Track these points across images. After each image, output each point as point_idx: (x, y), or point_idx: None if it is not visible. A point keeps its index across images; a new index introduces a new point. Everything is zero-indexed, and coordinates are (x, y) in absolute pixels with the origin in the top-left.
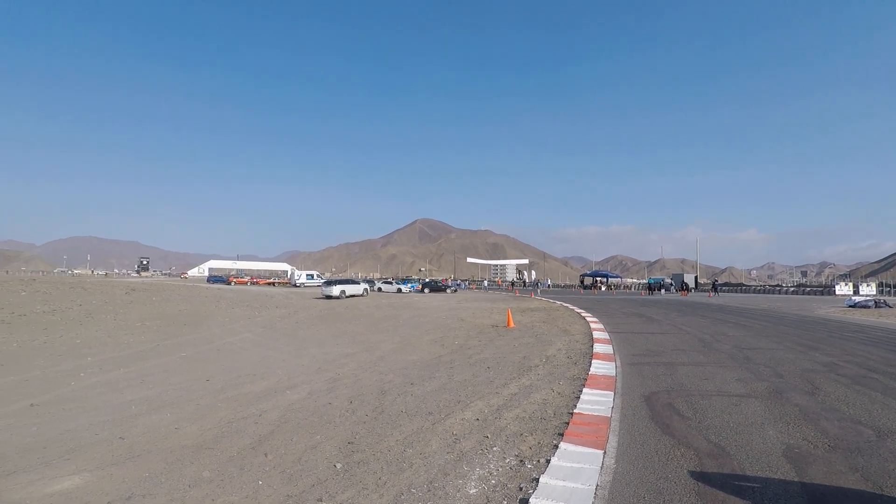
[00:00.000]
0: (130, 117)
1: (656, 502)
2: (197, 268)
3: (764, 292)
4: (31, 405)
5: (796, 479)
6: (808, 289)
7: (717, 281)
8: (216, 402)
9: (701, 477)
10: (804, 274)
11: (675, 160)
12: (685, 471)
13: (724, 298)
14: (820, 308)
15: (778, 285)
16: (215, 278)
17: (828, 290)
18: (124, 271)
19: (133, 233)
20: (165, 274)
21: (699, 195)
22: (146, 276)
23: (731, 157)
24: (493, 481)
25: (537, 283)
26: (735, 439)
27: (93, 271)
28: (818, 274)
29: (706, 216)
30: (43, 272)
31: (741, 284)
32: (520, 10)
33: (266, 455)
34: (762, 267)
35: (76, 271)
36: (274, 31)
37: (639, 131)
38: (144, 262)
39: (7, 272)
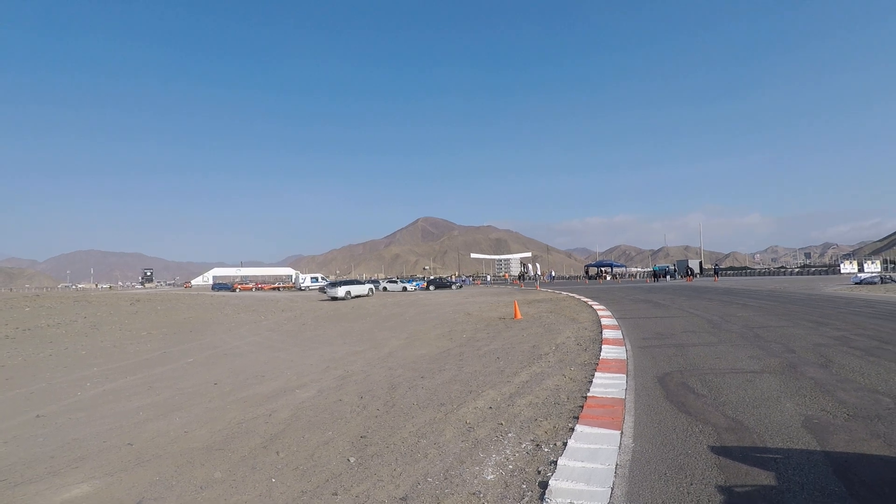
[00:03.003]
0: (126, 129)
1: (678, 478)
2: (201, 276)
3: (769, 274)
4: (37, 416)
5: (818, 449)
6: (813, 269)
7: (717, 265)
8: (225, 404)
9: (721, 451)
10: (808, 255)
11: (678, 149)
12: (705, 446)
13: (730, 282)
14: (827, 286)
15: (782, 267)
16: (220, 286)
17: (833, 269)
18: (128, 284)
19: (135, 244)
20: (169, 284)
21: (702, 183)
22: (150, 288)
23: (732, 143)
24: (511, 466)
25: (535, 276)
26: (753, 413)
27: (97, 285)
28: (822, 255)
29: (710, 203)
30: (47, 288)
31: (745, 268)
32: (513, 6)
33: (278, 453)
34: (766, 251)
35: (80, 286)
36: (268, 35)
37: (641, 123)
38: (148, 274)
39: (11, 290)
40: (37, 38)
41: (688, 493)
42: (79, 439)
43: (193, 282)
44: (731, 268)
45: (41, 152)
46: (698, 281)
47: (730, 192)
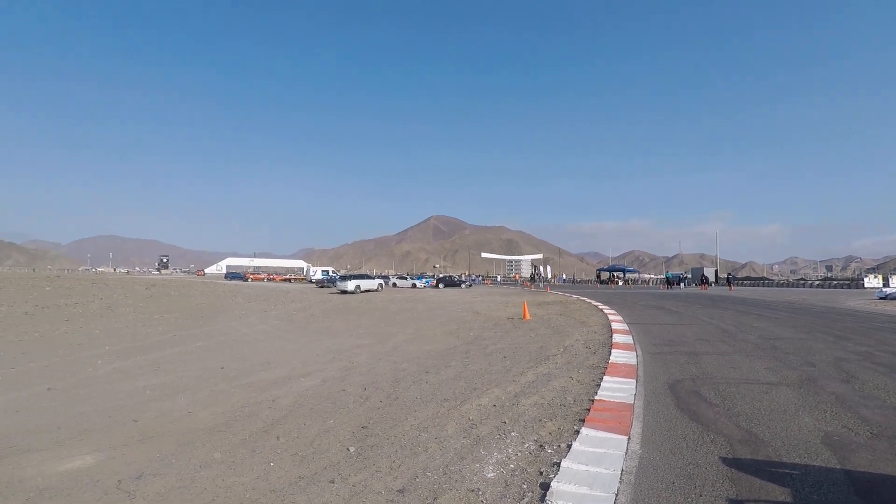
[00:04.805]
0: (149, 117)
1: (687, 488)
2: (215, 265)
3: (787, 286)
4: (49, 389)
5: (838, 467)
6: (835, 282)
7: (731, 274)
8: (230, 388)
9: (734, 463)
10: (829, 268)
11: (696, 155)
12: (716, 457)
13: (746, 292)
14: (849, 300)
15: (802, 279)
16: (232, 275)
17: (855, 283)
18: (145, 269)
19: (153, 231)
20: (184, 272)
21: (721, 189)
22: (166, 274)
23: (753, 150)
24: (512, 465)
25: (546, 278)
26: (768, 426)
27: (115, 269)
28: (844, 268)
29: (727, 210)
30: (67, 270)
31: (763, 278)
32: (534, 10)
33: (278, 438)
34: (784, 262)
35: (99, 269)
36: (290, 32)
37: (659, 127)
38: (164, 260)
39: (34, 270)
40: (64, 18)
41: None
42: (85, 413)
43: (207, 270)
44: (748, 278)
45: (68, 137)
46: (713, 290)
47: (748, 201)
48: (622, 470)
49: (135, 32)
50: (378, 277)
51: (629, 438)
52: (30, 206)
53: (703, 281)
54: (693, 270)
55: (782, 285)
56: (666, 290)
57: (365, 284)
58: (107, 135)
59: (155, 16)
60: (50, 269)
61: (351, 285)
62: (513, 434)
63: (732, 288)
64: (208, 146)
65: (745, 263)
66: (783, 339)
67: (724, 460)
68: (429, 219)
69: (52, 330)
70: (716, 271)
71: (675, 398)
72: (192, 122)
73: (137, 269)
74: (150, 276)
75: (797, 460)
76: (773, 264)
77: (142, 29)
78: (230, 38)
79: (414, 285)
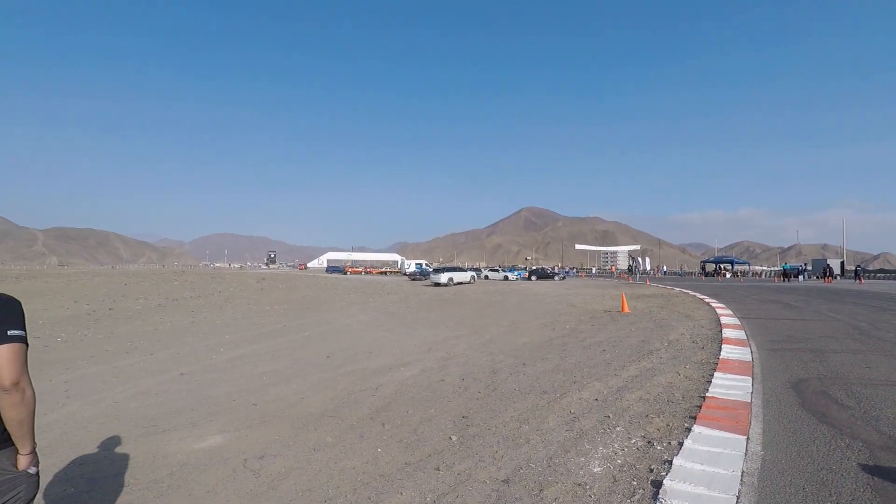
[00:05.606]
0: (257, 128)
1: (820, 495)
2: (317, 259)
3: None
4: (181, 374)
5: None
6: None
7: (860, 266)
8: (336, 376)
9: (876, 471)
10: None
11: (815, 133)
12: (853, 463)
13: (880, 285)
14: None
15: None
16: (333, 268)
17: None
18: (255, 264)
19: (262, 229)
20: (289, 266)
21: (846, 172)
22: (274, 268)
23: (884, 125)
24: (619, 461)
25: (645, 270)
26: None
27: (230, 264)
28: None
29: (854, 196)
30: (191, 266)
31: None
32: (630, 9)
33: (384, 425)
34: None
35: (217, 264)
36: (388, 40)
37: (774, 114)
38: (272, 256)
39: (163, 266)
40: (182, 46)
41: None
42: (213, 396)
43: (309, 264)
44: (882, 270)
45: (190, 149)
46: (838, 283)
47: (881, 185)
48: (743, 471)
49: (249, 52)
50: (470, 270)
51: (748, 438)
52: (160, 210)
53: (827, 273)
54: (815, 262)
55: None
56: (782, 283)
57: (458, 277)
58: (221, 145)
59: (274, 37)
60: (176, 265)
61: (444, 278)
62: (618, 429)
63: (863, 281)
64: (310, 150)
65: (879, 254)
66: None
67: (865, 468)
68: (520, 211)
69: (181, 320)
70: (842, 263)
71: (800, 398)
72: (294, 131)
73: (249, 263)
74: (260, 271)
75: None
76: None
77: (248, 48)
78: (331, 53)
79: (506, 277)
